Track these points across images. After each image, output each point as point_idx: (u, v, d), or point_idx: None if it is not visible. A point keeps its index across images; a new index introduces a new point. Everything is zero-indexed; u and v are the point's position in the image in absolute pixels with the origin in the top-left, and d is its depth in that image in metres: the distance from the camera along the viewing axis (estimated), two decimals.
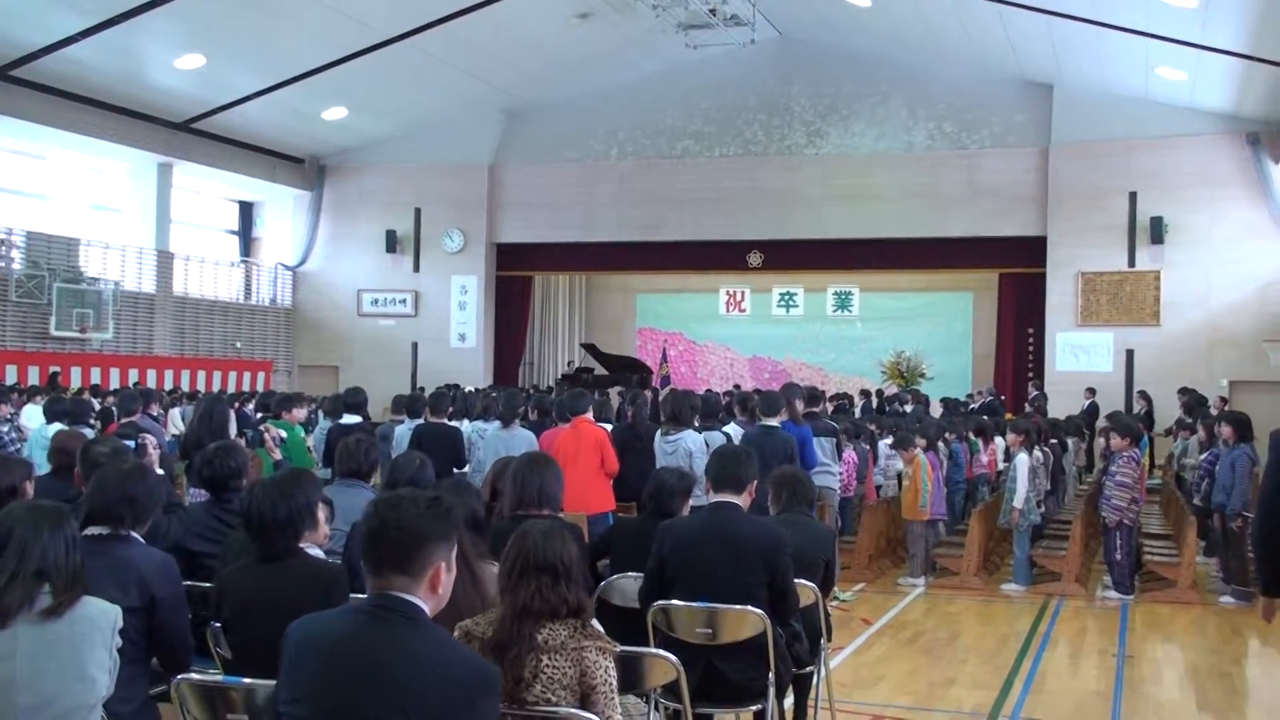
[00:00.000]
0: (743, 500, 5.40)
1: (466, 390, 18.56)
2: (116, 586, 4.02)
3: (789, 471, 6.40)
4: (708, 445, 9.16)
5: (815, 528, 6.11)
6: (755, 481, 5.50)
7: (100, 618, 3.65)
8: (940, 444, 13.04)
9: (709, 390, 18.81)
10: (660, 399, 18.18)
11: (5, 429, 11.09)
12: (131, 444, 6.40)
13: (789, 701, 5.80)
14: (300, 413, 10.55)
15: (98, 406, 15.50)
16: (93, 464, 5.67)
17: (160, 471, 6.26)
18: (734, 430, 10.25)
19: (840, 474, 11.63)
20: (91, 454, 5.95)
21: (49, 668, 3.53)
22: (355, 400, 11.37)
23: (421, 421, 10.96)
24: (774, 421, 9.51)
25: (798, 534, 5.60)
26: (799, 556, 5.38)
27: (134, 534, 4.44)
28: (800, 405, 10.64)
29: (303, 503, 4.36)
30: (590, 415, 9.90)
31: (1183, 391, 19.66)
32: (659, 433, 9.67)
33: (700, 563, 5.15)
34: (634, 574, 5.47)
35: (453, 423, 11.61)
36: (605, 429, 9.92)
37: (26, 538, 3.62)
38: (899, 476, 12.46)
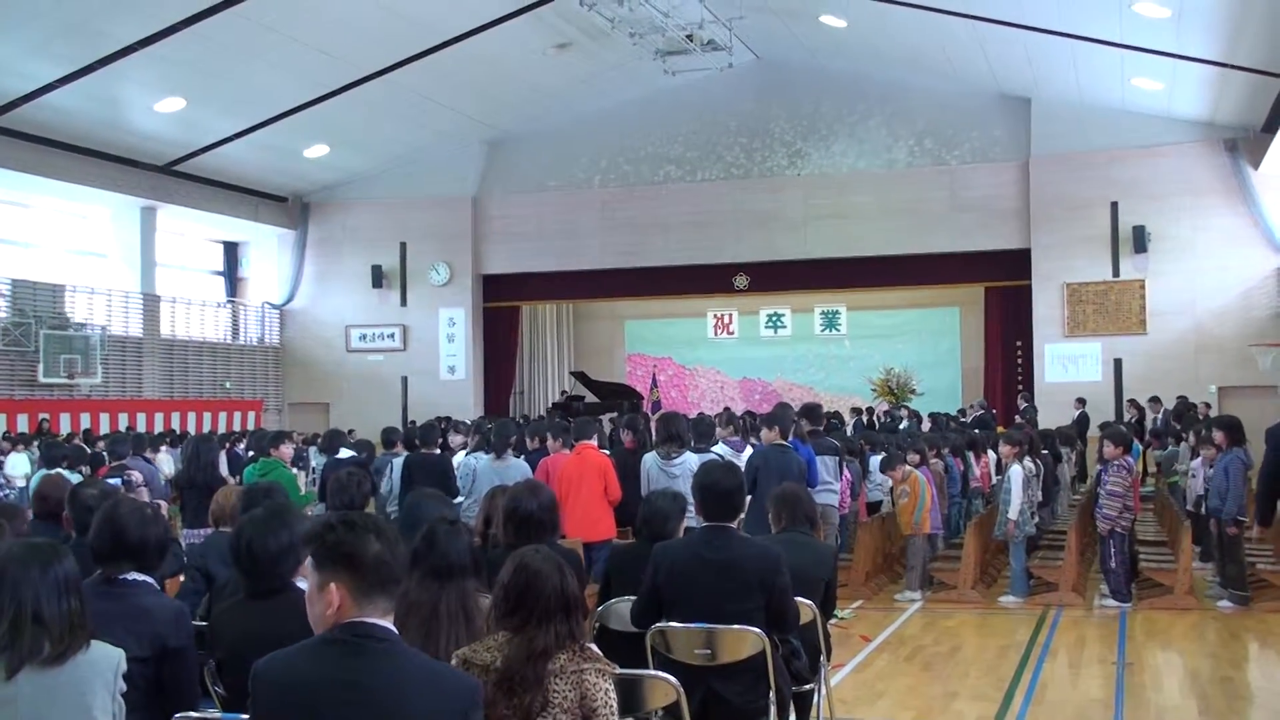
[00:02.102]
0: (735, 522, 5.36)
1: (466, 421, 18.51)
2: (129, 634, 3.94)
3: (789, 490, 6.35)
4: None
5: (815, 546, 6.07)
6: (747, 500, 5.47)
7: (102, 662, 3.59)
8: (935, 459, 13.05)
9: (701, 414, 18.78)
10: (652, 423, 18.18)
11: None
12: (118, 481, 6.35)
13: None
14: (288, 449, 10.53)
15: (88, 452, 15.45)
16: (83, 507, 5.63)
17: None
18: (723, 450, 10.23)
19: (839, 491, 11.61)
20: (81, 497, 5.90)
21: (51, 714, 3.47)
22: (347, 441, 11.39)
23: (410, 454, 10.97)
24: (785, 440, 9.55)
25: (798, 553, 5.56)
26: (799, 575, 5.34)
27: (149, 579, 4.38)
28: (805, 424, 10.72)
29: (287, 540, 4.30)
30: (595, 442, 9.88)
31: (1155, 400, 20.01)
32: (656, 455, 9.62)
33: (696, 587, 5.10)
34: (631, 598, 5.44)
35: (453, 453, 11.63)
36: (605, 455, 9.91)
37: (17, 577, 3.58)
38: (892, 492, 12.45)
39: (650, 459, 9.63)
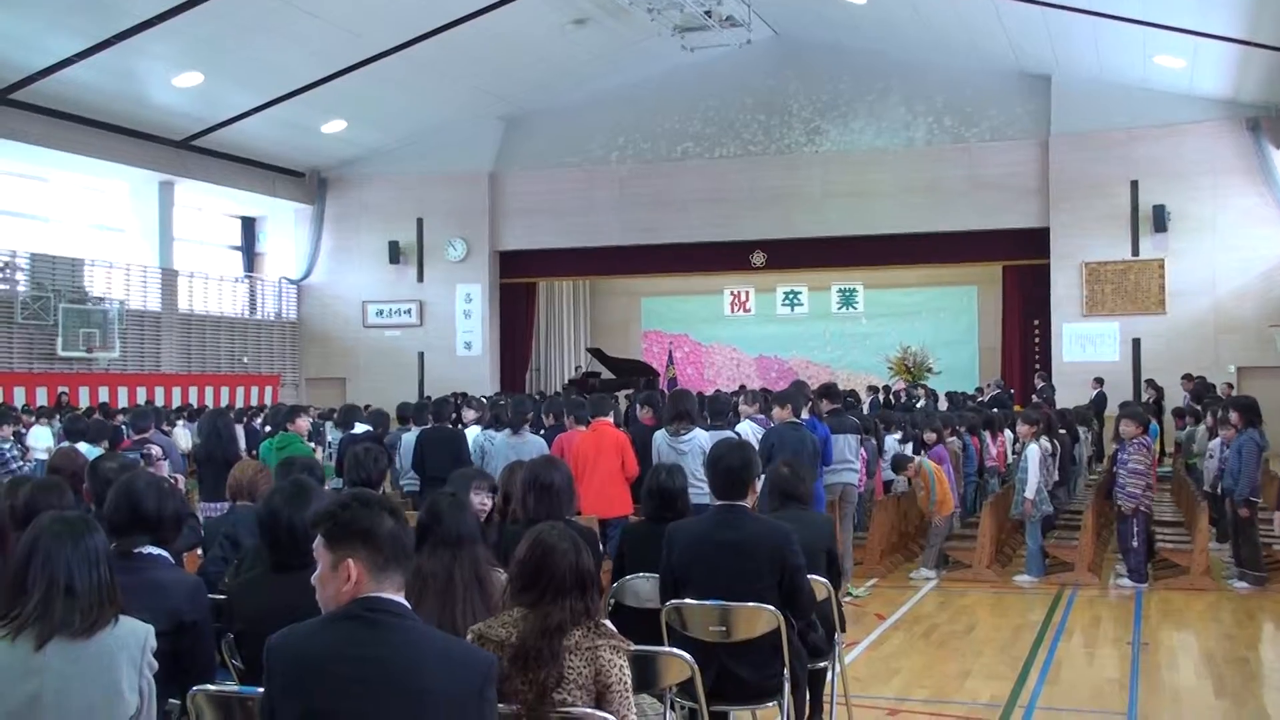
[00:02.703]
0: (749, 500, 5.35)
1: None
2: (145, 608, 3.92)
3: (776, 471, 6.34)
4: None
5: (811, 518, 6.04)
6: (760, 477, 5.45)
7: (129, 636, 3.59)
8: (952, 437, 13.02)
9: (717, 390, 18.77)
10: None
11: (7, 446, 11.13)
12: (136, 455, 6.37)
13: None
14: (305, 423, 10.55)
15: (109, 426, 15.52)
16: (103, 480, 5.65)
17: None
18: (747, 428, 10.21)
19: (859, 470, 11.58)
20: (101, 470, 5.92)
21: (76, 686, 3.47)
22: (362, 416, 11.43)
23: (425, 428, 11.01)
24: (797, 418, 9.56)
25: (797, 529, 5.56)
26: (803, 550, 5.34)
27: (165, 553, 4.39)
28: (825, 403, 10.71)
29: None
30: (611, 419, 9.89)
31: (1186, 378, 19.72)
32: (666, 432, 9.61)
33: (710, 566, 5.11)
34: (645, 574, 5.46)
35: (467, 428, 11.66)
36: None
37: (50, 549, 3.60)
38: (911, 483, 12.42)
39: (660, 436, 9.62)
